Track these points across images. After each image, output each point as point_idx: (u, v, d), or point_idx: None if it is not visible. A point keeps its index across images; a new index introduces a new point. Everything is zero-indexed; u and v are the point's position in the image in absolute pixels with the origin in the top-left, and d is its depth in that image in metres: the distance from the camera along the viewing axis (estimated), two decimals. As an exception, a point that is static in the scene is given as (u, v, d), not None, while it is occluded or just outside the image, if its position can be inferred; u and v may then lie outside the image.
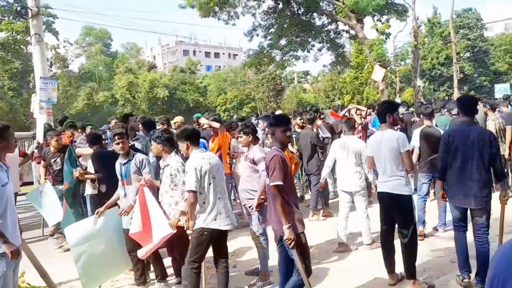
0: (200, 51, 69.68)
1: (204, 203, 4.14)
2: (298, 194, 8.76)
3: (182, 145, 4.34)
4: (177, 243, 4.56)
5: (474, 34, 39.88)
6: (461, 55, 37.76)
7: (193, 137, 4.36)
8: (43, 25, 11.53)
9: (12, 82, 33.75)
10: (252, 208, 4.82)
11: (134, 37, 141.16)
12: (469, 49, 40.33)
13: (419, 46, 26.39)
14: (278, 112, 11.97)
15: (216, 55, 72.77)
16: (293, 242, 3.59)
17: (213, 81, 45.99)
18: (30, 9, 10.54)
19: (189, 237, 4.31)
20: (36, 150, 7.85)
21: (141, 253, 4.65)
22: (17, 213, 3.75)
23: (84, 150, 6.53)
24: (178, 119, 9.75)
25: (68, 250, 6.81)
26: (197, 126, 7.74)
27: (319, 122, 8.52)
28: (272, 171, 3.70)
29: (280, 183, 3.66)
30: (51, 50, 31.61)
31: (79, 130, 8.12)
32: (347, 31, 25.05)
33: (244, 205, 5.08)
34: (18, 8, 11.48)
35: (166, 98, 41.05)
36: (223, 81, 45.22)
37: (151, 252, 4.62)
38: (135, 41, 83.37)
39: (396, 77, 30.62)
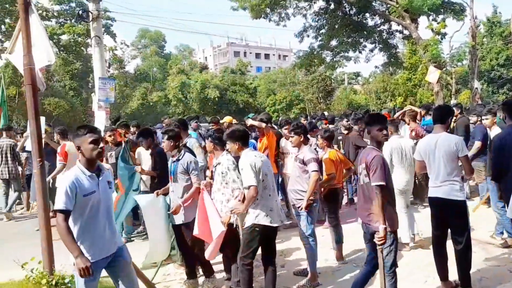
0: (250, 52, 70.25)
1: (256, 199, 4.22)
2: (346, 198, 8.68)
3: (233, 145, 4.43)
4: (229, 240, 4.65)
5: (538, 34, 37.64)
6: (523, 56, 35.77)
7: (245, 137, 4.47)
8: (102, 28, 12.05)
9: (72, 82, 35.52)
10: (301, 209, 4.84)
11: (186, 39, 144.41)
12: (533, 49, 38.15)
13: (477, 47, 25.33)
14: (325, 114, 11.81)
15: (266, 56, 73.09)
16: (383, 241, 3.66)
17: (262, 82, 46.21)
18: (91, 13, 11.05)
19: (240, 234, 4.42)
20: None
21: (207, 255, 4.79)
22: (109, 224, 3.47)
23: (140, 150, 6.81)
24: (227, 119, 9.94)
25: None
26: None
27: None
28: (374, 171, 3.72)
29: (383, 183, 3.69)
30: (109, 52, 32.95)
31: (132, 130, 8.52)
32: (401, 31, 24.44)
33: (293, 205, 5.11)
34: (80, 12, 12.03)
35: (216, 99, 41.71)
36: (273, 82, 45.33)
37: (216, 251, 4.74)
38: (187, 43, 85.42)
39: (452, 78, 29.46)
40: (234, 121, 10.17)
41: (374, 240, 3.75)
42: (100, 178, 3.37)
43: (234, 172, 4.56)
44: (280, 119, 8.96)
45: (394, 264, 3.83)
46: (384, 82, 37.65)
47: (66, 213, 3.17)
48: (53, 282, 4.73)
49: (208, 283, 5.06)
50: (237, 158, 4.59)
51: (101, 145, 3.37)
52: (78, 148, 3.34)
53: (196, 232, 4.78)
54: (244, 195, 4.28)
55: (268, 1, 20.60)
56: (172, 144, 5.01)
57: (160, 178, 5.94)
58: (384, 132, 3.96)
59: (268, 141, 7.32)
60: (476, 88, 21.72)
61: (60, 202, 3.16)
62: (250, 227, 4.26)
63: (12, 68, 31.01)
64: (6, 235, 8.03)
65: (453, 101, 24.19)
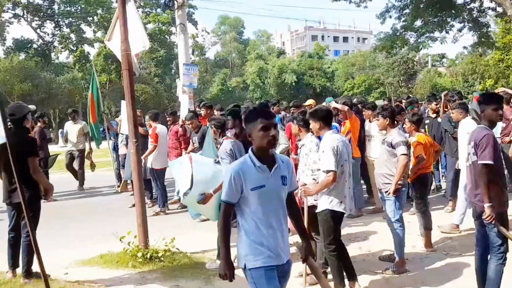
0: (328, 36, 69.04)
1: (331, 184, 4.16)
2: (434, 184, 8.32)
3: (315, 125, 4.37)
4: (312, 221, 4.65)
5: None
6: None
7: (327, 117, 4.38)
8: (186, 16, 12.47)
9: (157, 69, 37.31)
10: (389, 194, 4.73)
11: (264, 24, 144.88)
12: None
13: None
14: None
15: (345, 39, 71.43)
16: (492, 219, 3.56)
17: (341, 66, 45.33)
18: (176, 1, 11.48)
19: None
20: (181, 129, 8.59)
21: None
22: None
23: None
24: (310, 101, 9.91)
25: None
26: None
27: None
28: (483, 149, 3.61)
29: (490, 162, 3.59)
30: (191, 39, 34.12)
31: (216, 113, 8.77)
32: (493, 9, 22.63)
33: (380, 189, 5.01)
34: (166, 1, 12.53)
35: (294, 83, 41.67)
36: (351, 66, 44.29)
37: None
38: (265, 28, 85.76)
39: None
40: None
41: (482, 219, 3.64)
42: (272, 171, 2.78)
43: (317, 153, 4.52)
44: (355, 100, 8.69)
45: (502, 245, 3.68)
46: (472, 63, 35.29)
47: (228, 204, 2.79)
48: (148, 256, 5.10)
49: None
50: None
51: (273, 132, 2.74)
52: (249, 135, 2.83)
53: None
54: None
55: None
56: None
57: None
58: (500, 112, 3.80)
59: (351, 124, 7.20)
60: None
61: (223, 192, 2.80)
62: (324, 213, 4.19)
63: (103, 56, 33.17)
64: (102, 210, 8.70)
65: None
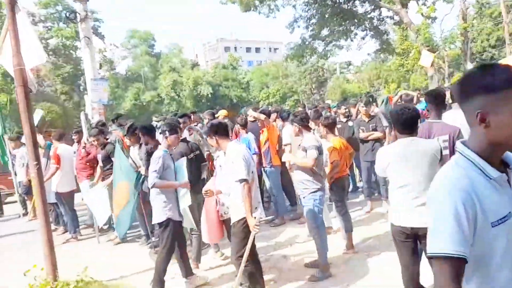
0: (241, 47, 69.86)
1: None
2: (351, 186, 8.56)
3: (211, 141, 4.30)
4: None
5: (527, 13, 37.60)
6: (514, 35, 35.71)
7: (222, 130, 4.26)
8: (91, 29, 11.84)
9: (64, 86, 35.16)
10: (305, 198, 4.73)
11: (176, 36, 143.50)
12: (522, 29, 38.13)
13: (468, 29, 25.26)
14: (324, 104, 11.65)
15: (257, 50, 72.74)
16: None
17: (255, 76, 46.04)
18: (79, 14, 10.85)
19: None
20: (83, 150, 8.00)
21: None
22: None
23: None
24: (222, 113, 9.80)
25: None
26: (244, 119, 7.65)
27: (376, 109, 8.26)
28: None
29: None
30: (99, 54, 32.67)
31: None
32: (391, 17, 24.31)
33: (299, 196, 4.99)
34: (67, 14, 11.81)
35: (210, 95, 41.53)
36: (265, 76, 45.17)
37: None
38: (177, 41, 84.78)
39: (444, 62, 29.45)
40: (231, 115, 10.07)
41: None
42: None
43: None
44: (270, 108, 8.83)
45: None
46: (376, 69, 37.71)
47: (456, 260, 1.39)
48: (57, 289, 4.62)
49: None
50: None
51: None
52: (483, 119, 1.43)
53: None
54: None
55: (257, -8, 20.44)
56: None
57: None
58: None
59: (269, 133, 7.19)
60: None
61: (440, 243, 1.41)
62: (242, 223, 4.04)
63: (2, 75, 30.61)
64: (4, 241, 7.87)
65: (446, 85, 24.13)
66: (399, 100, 9.06)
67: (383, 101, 9.14)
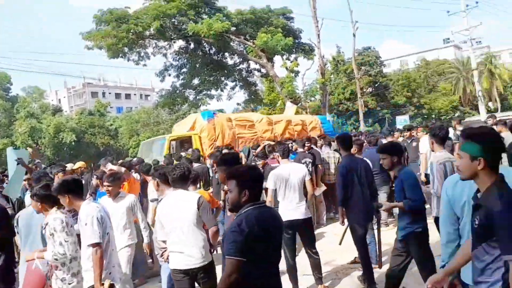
0: (110, 93, 67.50)
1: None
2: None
3: (64, 200, 3.77)
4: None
5: (374, 71, 42.72)
6: (364, 90, 40.16)
7: (74, 187, 3.81)
8: None
9: None
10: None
11: (36, 80, 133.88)
12: (371, 84, 43.11)
13: (326, 83, 27.66)
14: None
15: (127, 96, 70.94)
16: None
17: (124, 123, 44.39)
18: None
19: None
20: None
21: None
22: None
23: None
24: (80, 164, 8.99)
25: None
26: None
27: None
28: None
29: None
30: None
31: None
32: (259, 70, 25.63)
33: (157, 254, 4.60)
34: None
35: (73, 143, 38.70)
36: (136, 123, 43.83)
37: None
38: (38, 84, 78.84)
39: (306, 112, 31.67)
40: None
41: None
42: None
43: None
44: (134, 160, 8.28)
45: None
46: (247, 118, 38.91)
47: None
48: None
49: None
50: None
51: None
52: None
53: None
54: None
55: (126, 40, 19.86)
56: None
57: None
58: None
59: (129, 186, 6.65)
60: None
61: None
62: None
63: None
64: None
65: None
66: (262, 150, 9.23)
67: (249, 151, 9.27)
